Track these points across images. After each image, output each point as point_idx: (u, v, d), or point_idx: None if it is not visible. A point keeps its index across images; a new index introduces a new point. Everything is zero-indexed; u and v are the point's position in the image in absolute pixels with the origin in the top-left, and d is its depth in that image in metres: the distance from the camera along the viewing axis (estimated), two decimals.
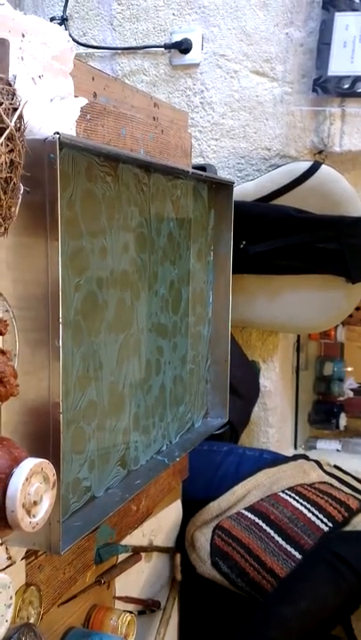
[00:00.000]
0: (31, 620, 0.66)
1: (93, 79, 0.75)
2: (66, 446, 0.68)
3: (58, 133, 0.58)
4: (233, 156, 1.56)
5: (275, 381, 1.74)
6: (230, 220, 1.03)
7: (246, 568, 1.01)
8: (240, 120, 1.52)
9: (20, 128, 0.52)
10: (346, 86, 1.44)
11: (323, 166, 1.39)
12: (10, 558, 0.63)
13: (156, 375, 0.89)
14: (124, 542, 0.90)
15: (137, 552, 0.94)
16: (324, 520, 1.02)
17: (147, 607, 0.99)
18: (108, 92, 0.78)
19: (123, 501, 0.77)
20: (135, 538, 0.95)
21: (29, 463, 0.54)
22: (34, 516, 0.54)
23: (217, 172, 1.50)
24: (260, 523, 1.03)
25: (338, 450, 1.92)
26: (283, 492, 1.07)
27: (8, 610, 0.51)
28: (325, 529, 1.01)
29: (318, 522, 1.01)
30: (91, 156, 0.70)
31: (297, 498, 1.05)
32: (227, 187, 1.02)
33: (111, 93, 0.78)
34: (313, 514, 1.02)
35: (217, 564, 1.04)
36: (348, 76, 1.44)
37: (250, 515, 1.06)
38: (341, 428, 1.98)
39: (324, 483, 1.09)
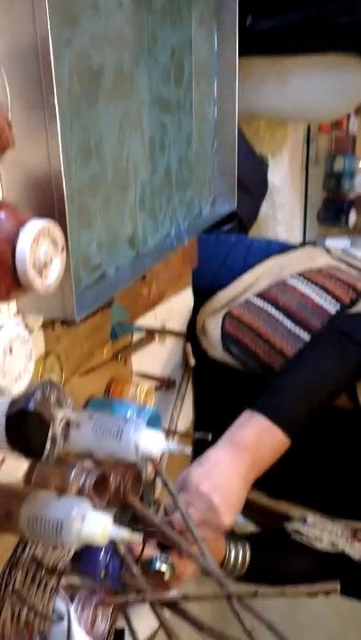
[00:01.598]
0: None
1: None
2: (72, 220, 0.67)
3: None
4: None
5: (283, 177, 1.69)
6: None
7: (257, 350, 1.04)
8: None
9: None
10: None
11: None
12: (27, 326, 0.65)
13: (161, 154, 0.86)
14: (136, 324, 0.93)
15: (150, 333, 0.97)
16: (332, 302, 1.04)
17: (162, 384, 1.05)
18: None
19: (133, 278, 0.78)
20: (148, 320, 0.97)
21: (36, 224, 0.53)
22: (46, 278, 0.54)
23: None
24: (270, 308, 1.05)
25: (347, 247, 1.93)
26: (291, 277, 1.08)
27: (29, 362, 0.53)
28: (333, 311, 1.03)
29: (326, 304, 1.03)
30: None
31: (305, 283, 1.06)
32: None
33: None
34: (321, 297, 1.03)
35: (228, 348, 1.07)
36: None
37: (259, 301, 1.08)
38: (351, 225, 1.97)
39: (333, 267, 1.09)
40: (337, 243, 1.90)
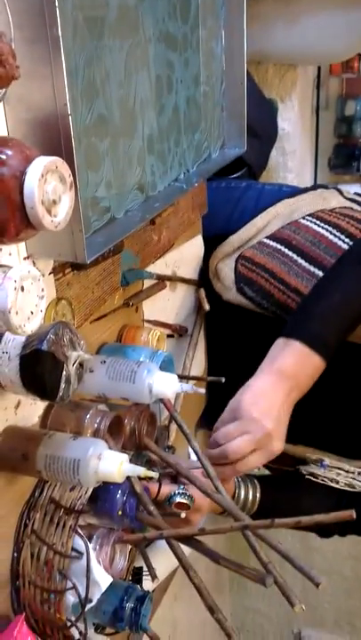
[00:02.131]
0: None
1: None
2: (80, 161, 0.66)
3: None
4: None
5: (293, 122, 1.65)
6: None
7: (271, 290, 1.03)
8: None
9: None
10: None
11: None
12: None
13: (168, 94, 0.84)
14: (147, 271, 0.93)
15: (161, 279, 0.97)
16: (346, 240, 1.02)
17: (174, 331, 1.05)
18: None
19: (143, 221, 0.77)
20: (159, 267, 0.97)
21: (43, 160, 0.52)
22: (55, 216, 0.54)
23: None
24: (283, 248, 1.04)
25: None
26: (303, 218, 1.06)
27: (41, 301, 0.53)
28: (347, 248, 1.02)
29: (340, 242, 1.01)
30: None
31: (318, 222, 1.05)
32: None
33: None
34: (335, 235, 1.02)
35: (242, 290, 1.06)
36: None
37: (272, 242, 1.07)
38: None
39: (345, 207, 1.08)
40: (349, 189, 1.86)
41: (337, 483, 0.97)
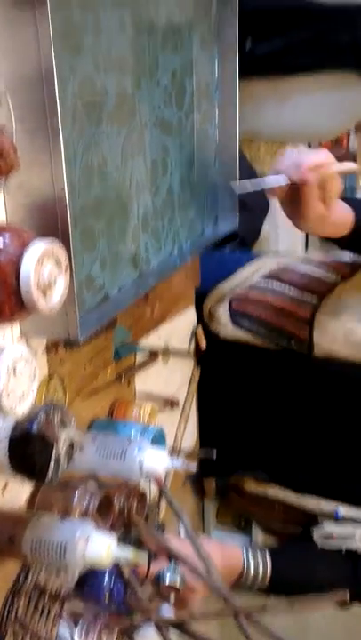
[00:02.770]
0: None
1: None
2: (75, 242, 0.67)
3: None
4: None
5: None
6: (235, 2, 0.93)
7: (267, 317, 1.06)
8: None
9: None
10: None
11: None
12: (31, 349, 0.65)
13: (163, 176, 0.86)
14: (140, 345, 0.93)
15: (154, 353, 0.97)
16: (333, 274, 1.07)
17: (166, 404, 1.05)
18: None
19: (136, 297, 0.78)
20: (151, 339, 0.97)
21: (40, 244, 0.53)
22: (50, 298, 0.55)
23: None
24: (274, 284, 1.09)
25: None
26: (290, 263, 1.13)
27: (33, 383, 0.53)
28: (335, 280, 1.06)
29: (328, 275, 1.06)
30: None
31: (305, 263, 1.11)
32: None
33: None
34: (322, 270, 1.07)
35: (238, 323, 1.09)
36: None
37: (262, 281, 1.11)
38: None
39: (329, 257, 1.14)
40: (340, 258, 1.91)
41: (353, 539, 0.94)
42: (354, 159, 1.89)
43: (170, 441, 1.03)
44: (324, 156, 0.83)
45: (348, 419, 0.98)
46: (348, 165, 0.86)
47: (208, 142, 0.99)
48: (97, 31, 0.67)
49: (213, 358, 1.12)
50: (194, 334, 1.14)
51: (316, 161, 0.82)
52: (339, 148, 1.84)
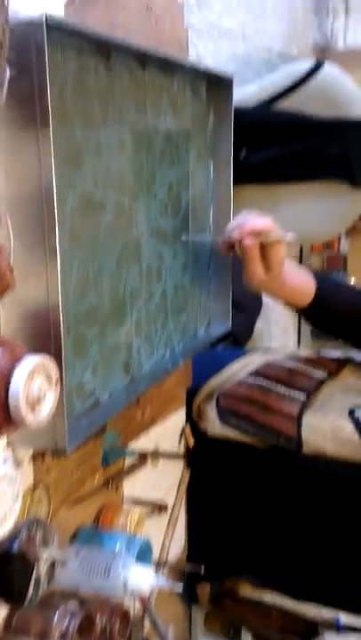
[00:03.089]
0: None
1: None
2: (68, 350, 0.67)
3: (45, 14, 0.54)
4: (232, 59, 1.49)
5: None
6: (230, 119, 0.98)
7: (255, 415, 1.05)
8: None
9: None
10: None
11: (325, 65, 1.33)
12: (16, 459, 0.63)
13: (157, 282, 0.88)
14: (129, 448, 0.92)
15: (143, 456, 0.95)
16: (320, 371, 1.08)
17: (154, 509, 1.02)
18: None
19: (127, 402, 0.77)
20: (141, 443, 0.96)
21: (31, 360, 0.53)
22: (38, 413, 0.54)
23: None
24: (261, 381, 1.09)
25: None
26: (277, 359, 1.14)
27: (15, 503, 0.51)
28: (322, 377, 1.07)
29: (315, 372, 1.07)
30: (81, 43, 0.66)
31: (292, 359, 1.12)
32: (226, 84, 0.97)
33: None
34: (309, 367, 1.08)
35: (227, 420, 1.08)
36: None
37: (249, 378, 1.12)
38: None
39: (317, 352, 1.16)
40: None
41: None
42: (345, 261, 1.95)
43: (157, 548, 1.00)
44: (264, 223, 0.85)
45: (339, 520, 0.96)
46: (288, 235, 0.88)
47: (202, 248, 1.02)
48: (97, 149, 0.70)
49: (202, 457, 1.11)
50: (182, 434, 1.13)
51: (256, 226, 0.84)
52: (330, 250, 1.90)
